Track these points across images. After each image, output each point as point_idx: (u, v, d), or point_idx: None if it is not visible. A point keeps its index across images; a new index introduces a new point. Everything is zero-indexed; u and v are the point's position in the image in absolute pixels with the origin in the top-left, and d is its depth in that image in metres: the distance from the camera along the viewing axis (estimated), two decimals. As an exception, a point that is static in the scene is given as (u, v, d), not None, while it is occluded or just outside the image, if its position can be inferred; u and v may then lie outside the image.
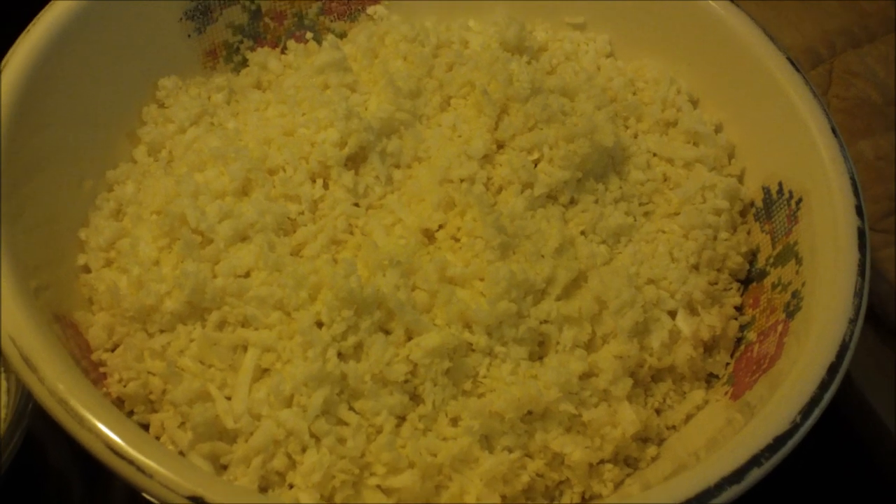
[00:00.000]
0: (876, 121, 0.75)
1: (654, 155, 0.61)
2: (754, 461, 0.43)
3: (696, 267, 0.56)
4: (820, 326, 0.48)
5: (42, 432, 0.62)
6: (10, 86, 0.51)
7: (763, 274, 0.57)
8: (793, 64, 0.58)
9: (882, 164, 0.73)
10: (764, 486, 0.44)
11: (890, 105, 0.76)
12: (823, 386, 0.45)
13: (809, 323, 0.49)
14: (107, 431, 0.41)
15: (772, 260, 0.56)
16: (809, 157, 0.55)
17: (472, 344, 0.50)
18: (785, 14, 0.82)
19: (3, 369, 0.57)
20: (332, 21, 0.67)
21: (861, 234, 0.51)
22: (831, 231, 0.52)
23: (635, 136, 0.62)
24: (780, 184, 0.57)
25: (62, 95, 0.55)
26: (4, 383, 0.57)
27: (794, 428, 0.44)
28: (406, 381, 0.49)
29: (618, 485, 0.50)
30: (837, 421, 0.63)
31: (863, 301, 0.48)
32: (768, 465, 0.43)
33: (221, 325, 0.50)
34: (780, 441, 0.43)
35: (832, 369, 0.46)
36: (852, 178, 0.53)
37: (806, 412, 0.44)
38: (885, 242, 0.69)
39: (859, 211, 0.52)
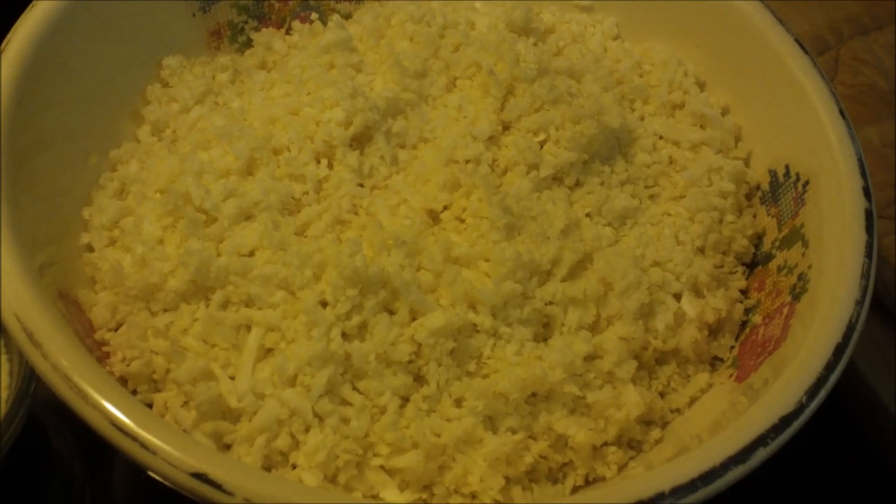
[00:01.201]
0: (882, 108, 0.75)
1: (661, 137, 0.61)
2: (760, 441, 0.42)
3: (701, 250, 0.56)
4: (826, 308, 0.48)
5: (45, 414, 0.62)
6: (12, 64, 0.51)
7: (769, 257, 0.56)
8: (801, 46, 0.57)
9: (888, 151, 0.72)
10: (769, 474, 0.44)
11: (896, 92, 0.76)
12: (829, 367, 0.45)
13: (815, 305, 0.49)
14: (111, 408, 0.41)
15: (778, 243, 0.56)
16: (817, 139, 0.54)
17: (476, 324, 0.50)
18: (795, 4, 0.82)
19: (4, 350, 0.57)
20: (337, 2, 0.67)
21: (869, 216, 0.51)
22: (839, 213, 0.51)
23: (642, 119, 0.61)
24: (786, 167, 0.57)
25: (66, 74, 0.54)
26: (6, 364, 0.57)
27: (801, 408, 0.44)
28: (410, 362, 0.48)
29: (621, 467, 0.50)
30: (841, 410, 0.63)
31: (870, 282, 0.48)
32: (774, 446, 0.43)
33: (225, 305, 0.50)
34: (786, 421, 0.43)
35: (838, 350, 0.46)
36: (860, 160, 0.53)
37: (812, 392, 0.44)
38: (889, 230, 0.69)
39: (867, 192, 0.52)
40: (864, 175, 0.52)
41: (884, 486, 0.62)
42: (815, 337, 0.47)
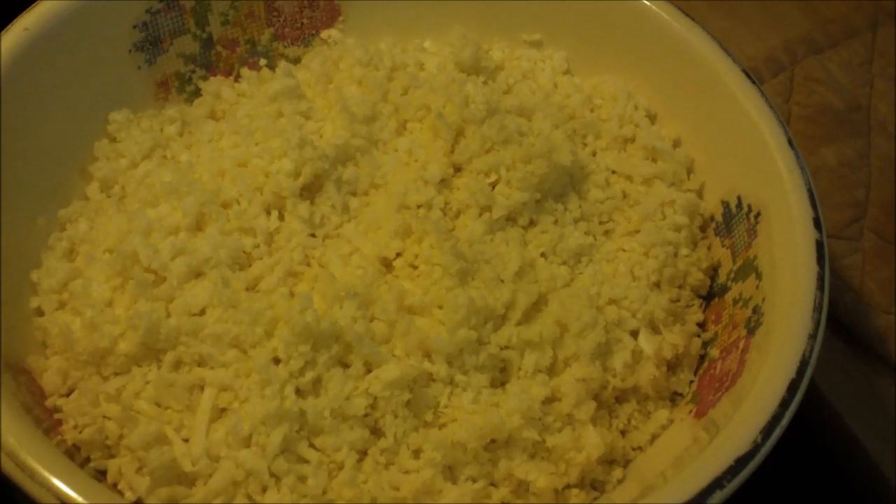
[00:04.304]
0: (838, 127, 0.75)
1: (613, 172, 0.61)
2: (716, 484, 0.42)
3: (657, 285, 0.56)
4: (780, 343, 0.48)
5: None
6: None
7: (724, 289, 0.56)
8: (748, 76, 0.58)
9: (845, 170, 0.73)
10: (732, 500, 0.43)
11: (852, 111, 0.76)
12: (784, 404, 0.45)
13: (770, 339, 0.49)
14: (59, 484, 0.41)
15: (732, 275, 0.56)
16: (766, 171, 0.54)
17: (432, 374, 0.49)
18: (748, 24, 0.82)
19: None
20: (285, 47, 0.66)
21: (820, 247, 0.51)
22: (790, 244, 0.51)
23: (594, 154, 0.61)
24: (738, 198, 0.57)
25: (11, 132, 0.54)
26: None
27: (756, 448, 0.44)
28: (366, 415, 0.48)
29: (585, 509, 0.50)
30: (806, 434, 0.63)
31: (822, 315, 0.48)
32: (730, 488, 0.43)
33: (177, 366, 0.49)
34: (741, 462, 0.43)
35: (792, 386, 0.45)
36: (809, 191, 0.53)
37: (767, 431, 0.44)
38: (850, 250, 0.69)
39: (817, 223, 0.51)
40: (814, 206, 0.52)
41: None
42: (769, 373, 0.47)
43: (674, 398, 0.55)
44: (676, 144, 0.62)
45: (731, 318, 0.54)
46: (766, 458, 0.44)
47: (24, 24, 0.55)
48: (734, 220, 0.57)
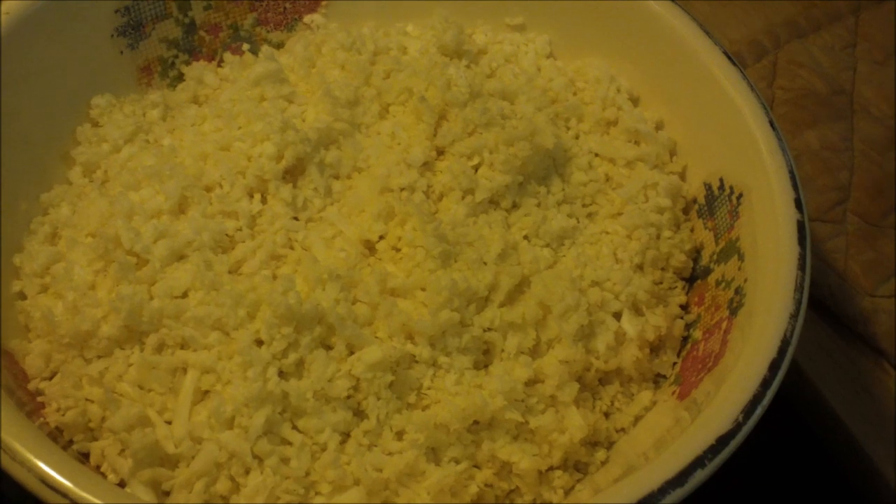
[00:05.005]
0: (821, 111, 0.75)
1: (596, 155, 0.61)
2: (698, 463, 0.42)
3: (640, 267, 0.56)
4: (762, 323, 0.48)
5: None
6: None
7: (707, 271, 0.57)
8: (730, 58, 0.58)
9: (828, 154, 0.73)
10: (716, 480, 0.44)
11: (835, 95, 0.76)
12: (765, 383, 0.45)
13: (752, 319, 0.49)
14: (41, 466, 0.41)
15: (715, 256, 0.56)
16: (748, 152, 0.54)
17: (415, 356, 0.49)
18: (731, 8, 0.82)
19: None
20: (268, 31, 0.66)
21: (801, 228, 0.51)
22: (771, 226, 0.51)
23: (577, 137, 0.61)
24: (721, 179, 0.57)
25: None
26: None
27: (737, 427, 0.44)
28: (349, 397, 0.48)
29: (568, 491, 0.50)
30: (790, 416, 0.63)
31: (804, 296, 0.48)
32: (712, 466, 0.43)
33: (160, 348, 0.49)
34: (723, 441, 0.43)
35: (774, 366, 0.46)
36: (791, 172, 0.53)
37: (748, 411, 0.44)
38: (834, 233, 0.69)
39: (798, 204, 0.52)
40: (795, 187, 0.52)
41: (833, 493, 0.62)
42: (750, 353, 0.47)
43: (657, 380, 0.55)
44: (659, 127, 0.62)
45: (714, 300, 0.54)
46: (750, 439, 0.44)
47: (5, 9, 0.55)
48: (717, 202, 0.57)
